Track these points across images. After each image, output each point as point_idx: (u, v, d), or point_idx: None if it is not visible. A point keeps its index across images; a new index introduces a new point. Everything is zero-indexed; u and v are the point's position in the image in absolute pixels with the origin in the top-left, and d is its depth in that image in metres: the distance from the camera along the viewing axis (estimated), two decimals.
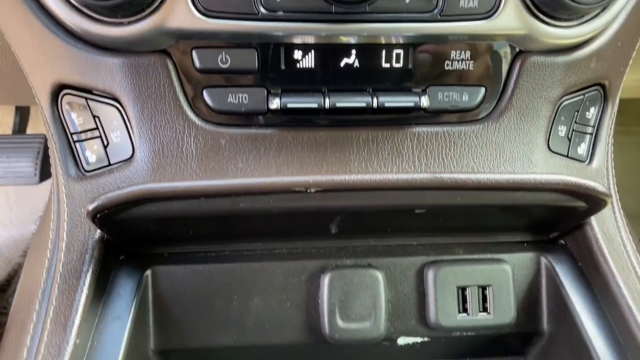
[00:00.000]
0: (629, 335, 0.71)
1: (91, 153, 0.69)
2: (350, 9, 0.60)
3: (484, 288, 0.80)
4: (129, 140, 0.67)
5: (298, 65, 0.64)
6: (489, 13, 0.62)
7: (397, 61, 0.65)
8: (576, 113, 0.74)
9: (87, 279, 0.68)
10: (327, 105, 0.63)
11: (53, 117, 0.68)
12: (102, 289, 0.72)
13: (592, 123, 0.76)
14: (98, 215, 0.66)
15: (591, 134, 0.76)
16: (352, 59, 0.65)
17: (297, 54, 0.64)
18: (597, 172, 0.76)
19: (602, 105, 0.76)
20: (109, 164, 0.69)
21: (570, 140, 0.74)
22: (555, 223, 0.82)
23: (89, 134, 0.68)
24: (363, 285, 0.78)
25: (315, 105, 0.63)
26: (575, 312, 0.76)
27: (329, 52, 0.64)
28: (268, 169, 0.67)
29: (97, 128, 0.68)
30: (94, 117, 0.68)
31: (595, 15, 0.65)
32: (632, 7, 0.69)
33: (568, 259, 0.81)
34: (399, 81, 0.66)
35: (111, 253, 0.73)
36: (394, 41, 0.64)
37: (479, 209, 0.76)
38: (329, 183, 0.66)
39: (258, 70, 0.64)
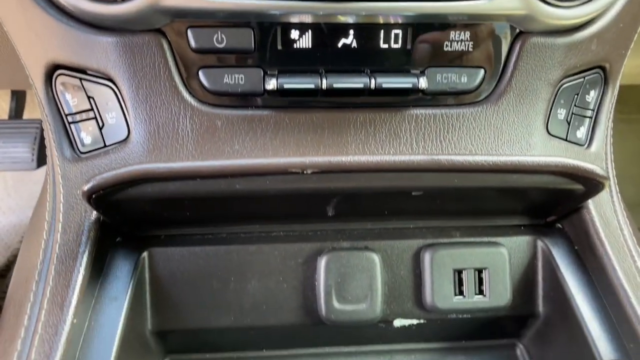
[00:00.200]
0: (624, 317, 0.72)
1: (86, 134, 0.68)
2: None
3: (480, 271, 0.80)
4: (124, 122, 0.67)
5: (295, 46, 0.63)
6: None
7: (396, 42, 0.64)
8: (576, 96, 0.74)
9: (84, 260, 0.68)
10: (324, 86, 0.63)
11: (47, 98, 0.67)
12: (98, 270, 0.73)
13: (591, 106, 0.75)
14: (93, 196, 0.66)
15: (590, 117, 0.75)
16: (350, 39, 0.64)
17: (294, 34, 0.63)
18: (595, 155, 0.75)
19: (602, 88, 0.75)
20: (105, 146, 0.68)
21: (569, 123, 0.74)
22: (552, 206, 0.81)
23: (84, 115, 0.68)
24: (359, 267, 0.79)
25: (312, 86, 0.63)
26: (571, 294, 0.77)
27: (326, 32, 0.63)
28: (264, 151, 0.66)
29: (92, 109, 0.67)
30: (89, 97, 0.67)
31: None
32: None
33: (564, 242, 0.81)
34: (398, 62, 0.65)
35: (108, 235, 0.73)
36: (392, 21, 0.63)
37: (476, 191, 0.76)
38: (325, 164, 0.65)
39: (254, 51, 0.63)
